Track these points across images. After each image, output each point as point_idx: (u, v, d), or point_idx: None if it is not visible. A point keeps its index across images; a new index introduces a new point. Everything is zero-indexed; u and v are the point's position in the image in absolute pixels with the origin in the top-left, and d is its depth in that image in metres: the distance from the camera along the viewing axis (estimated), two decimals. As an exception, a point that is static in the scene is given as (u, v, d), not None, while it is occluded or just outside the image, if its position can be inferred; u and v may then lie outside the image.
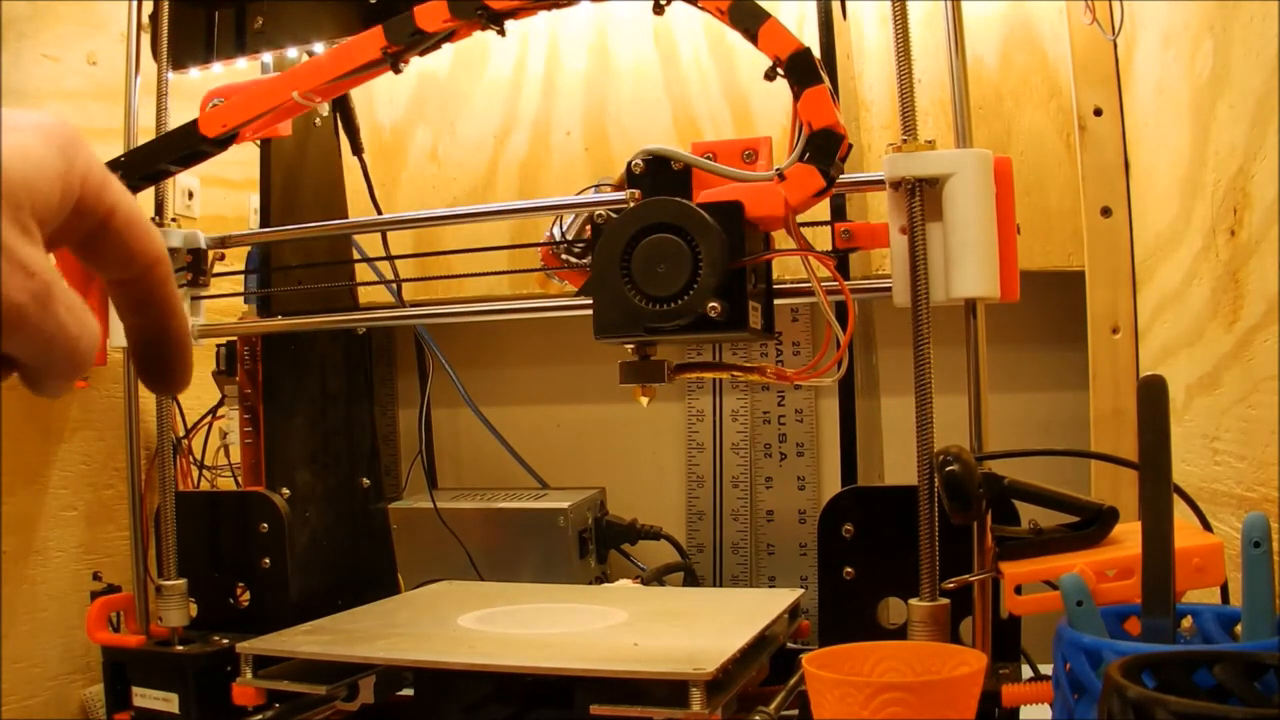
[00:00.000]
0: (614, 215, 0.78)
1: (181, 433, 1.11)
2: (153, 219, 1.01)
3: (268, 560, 1.00)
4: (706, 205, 0.76)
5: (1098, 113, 1.11)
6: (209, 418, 1.14)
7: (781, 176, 0.78)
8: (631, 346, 0.80)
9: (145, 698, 0.94)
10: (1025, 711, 0.72)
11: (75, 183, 0.34)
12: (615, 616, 0.91)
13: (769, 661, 0.87)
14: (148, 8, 1.05)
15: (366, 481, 1.22)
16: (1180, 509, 0.63)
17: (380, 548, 1.24)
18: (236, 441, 1.12)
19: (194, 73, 1.09)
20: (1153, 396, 0.57)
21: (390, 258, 1.18)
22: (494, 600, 0.99)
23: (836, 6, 1.12)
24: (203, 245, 1.03)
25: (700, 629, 0.86)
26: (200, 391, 1.14)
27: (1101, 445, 1.08)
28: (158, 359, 0.40)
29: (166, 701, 0.93)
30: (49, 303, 0.32)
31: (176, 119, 0.96)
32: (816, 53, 0.79)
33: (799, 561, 1.28)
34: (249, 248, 1.13)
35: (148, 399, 1.00)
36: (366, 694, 0.85)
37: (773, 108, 1.25)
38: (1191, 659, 0.48)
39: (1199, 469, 0.84)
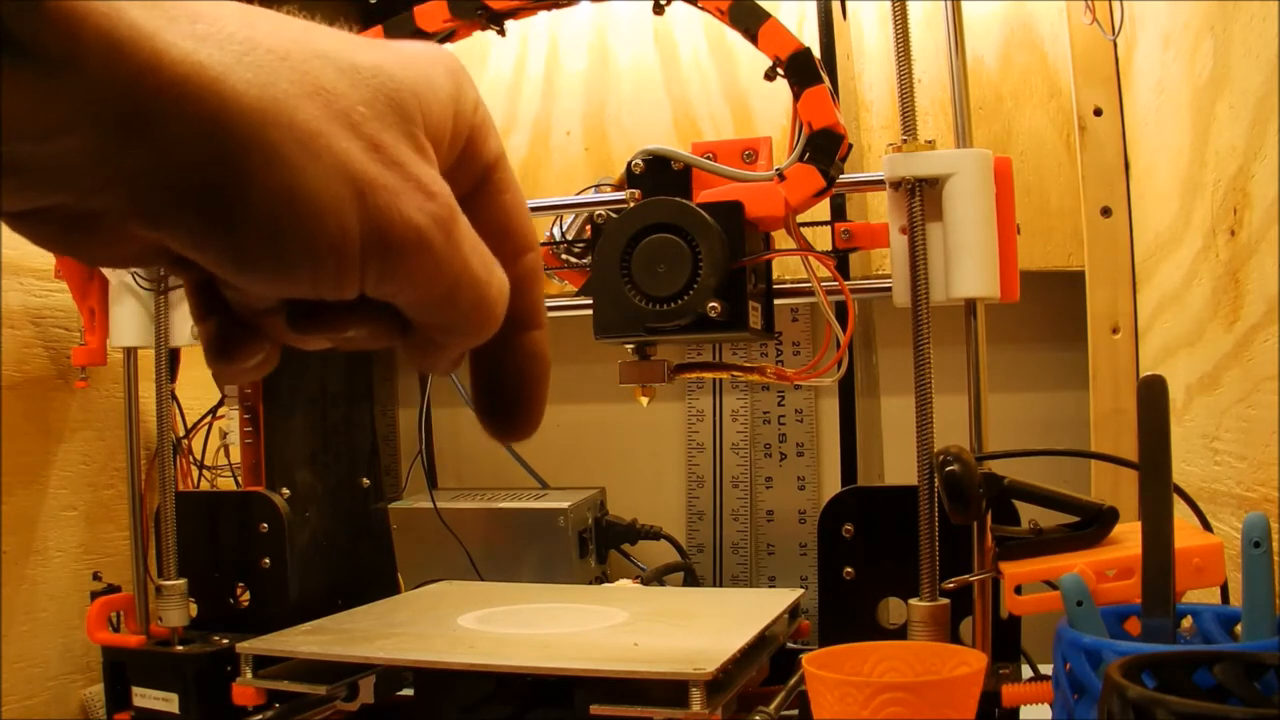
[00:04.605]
0: (614, 215, 0.78)
1: (181, 433, 1.11)
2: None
3: (268, 560, 0.99)
4: (706, 205, 0.76)
5: (1098, 113, 1.11)
6: (209, 418, 1.14)
7: (781, 176, 0.78)
8: (631, 346, 0.80)
9: (145, 698, 0.94)
10: (1025, 711, 0.72)
11: (467, 112, 0.28)
12: (615, 616, 0.91)
13: (769, 661, 0.87)
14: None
15: (366, 481, 1.22)
16: (1180, 509, 0.63)
17: (380, 548, 1.24)
18: (236, 441, 1.11)
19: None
20: (1153, 396, 0.57)
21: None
22: (494, 600, 0.99)
23: (836, 6, 1.12)
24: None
25: (700, 629, 0.86)
26: (200, 391, 1.14)
27: (1101, 445, 1.08)
28: (513, 384, 0.31)
29: (166, 701, 0.93)
30: (453, 231, 0.26)
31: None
32: (816, 53, 0.79)
33: (799, 561, 1.28)
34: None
35: (148, 399, 1.00)
36: (366, 694, 0.85)
37: (773, 108, 1.25)
38: (1191, 659, 0.48)
39: (1199, 469, 0.84)
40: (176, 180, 0.22)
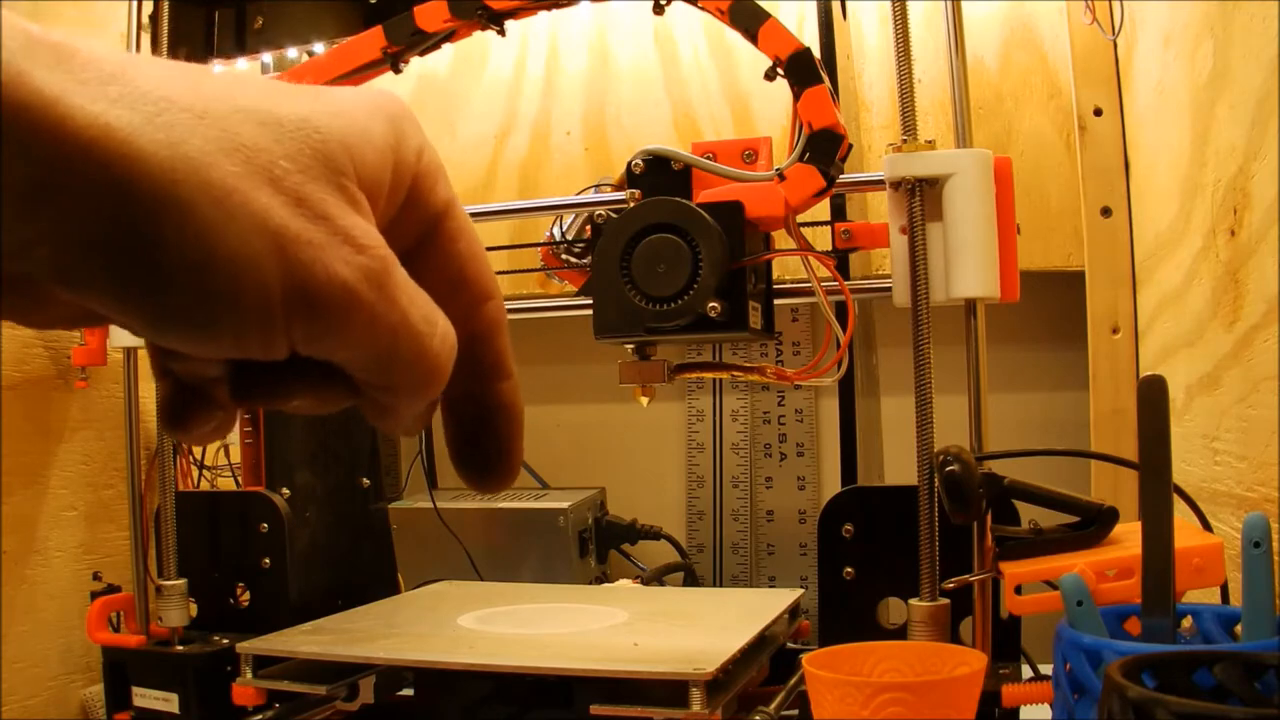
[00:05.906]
0: (614, 215, 0.78)
1: (181, 433, 1.11)
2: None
3: (268, 560, 0.99)
4: (706, 205, 0.76)
5: (1098, 113, 1.11)
6: (209, 418, 1.14)
7: (781, 176, 0.78)
8: (631, 346, 0.80)
9: (145, 698, 0.94)
10: (1025, 711, 0.72)
11: (410, 160, 0.27)
12: (615, 616, 0.91)
13: (769, 661, 0.87)
14: (148, 8, 1.05)
15: (366, 481, 1.22)
16: (1180, 509, 0.63)
17: (380, 548, 1.24)
18: (236, 441, 1.12)
19: (194, 73, 1.09)
20: (1153, 396, 0.57)
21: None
22: (494, 600, 0.99)
23: (836, 6, 1.12)
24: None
25: (700, 629, 0.86)
26: (200, 391, 1.13)
27: (1101, 445, 1.08)
28: (484, 438, 0.30)
29: (166, 701, 0.93)
30: (386, 284, 0.24)
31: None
32: (816, 53, 0.79)
33: (799, 561, 1.28)
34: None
35: (148, 399, 1.00)
36: (366, 694, 0.85)
37: (773, 108, 1.25)
38: (1191, 659, 0.48)
39: (1199, 469, 0.84)
40: (90, 243, 0.22)
